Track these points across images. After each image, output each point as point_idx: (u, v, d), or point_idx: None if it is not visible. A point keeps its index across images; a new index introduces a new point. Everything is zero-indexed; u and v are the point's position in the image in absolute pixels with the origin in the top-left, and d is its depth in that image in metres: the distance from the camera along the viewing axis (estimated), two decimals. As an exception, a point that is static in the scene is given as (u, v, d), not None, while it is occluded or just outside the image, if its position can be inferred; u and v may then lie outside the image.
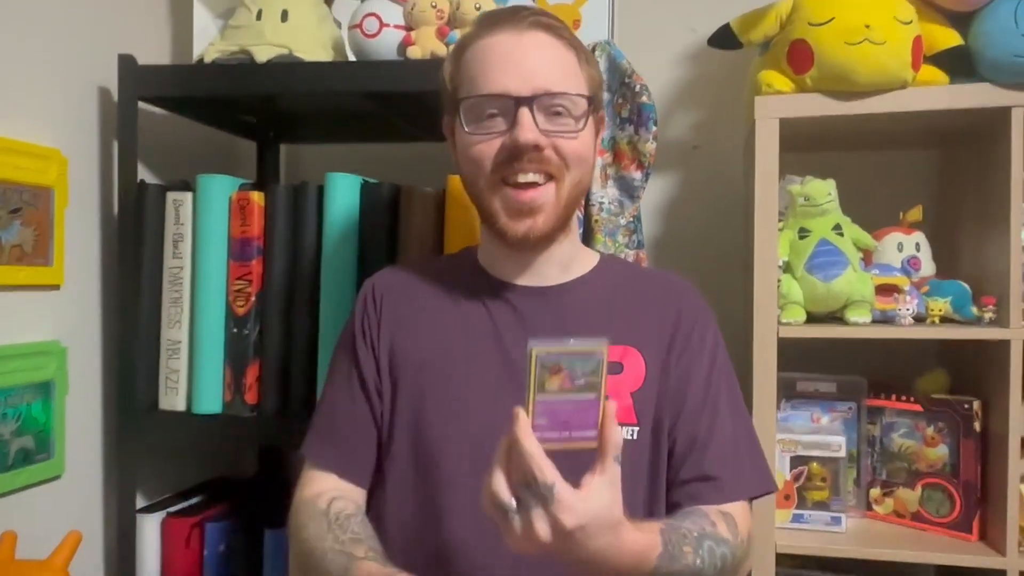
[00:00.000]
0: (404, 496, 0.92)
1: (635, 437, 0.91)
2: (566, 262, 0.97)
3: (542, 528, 0.67)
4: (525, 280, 0.96)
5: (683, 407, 0.93)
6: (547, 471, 0.66)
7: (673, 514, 0.88)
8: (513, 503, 0.68)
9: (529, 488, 0.67)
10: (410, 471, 0.92)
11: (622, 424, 0.89)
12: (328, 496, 0.92)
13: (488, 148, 0.87)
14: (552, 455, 0.67)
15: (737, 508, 0.90)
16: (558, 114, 0.87)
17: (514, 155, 0.86)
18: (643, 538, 0.75)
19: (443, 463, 0.90)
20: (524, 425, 0.67)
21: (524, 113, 0.84)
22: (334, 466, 0.95)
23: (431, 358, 0.94)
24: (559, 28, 0.90)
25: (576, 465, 0.69)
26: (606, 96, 1.11)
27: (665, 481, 0.93)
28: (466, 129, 0.88)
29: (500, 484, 0.69)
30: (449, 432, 0.90)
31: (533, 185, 0.87)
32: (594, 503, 0.68)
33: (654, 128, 1.09)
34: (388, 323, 0.98)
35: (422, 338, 0.96)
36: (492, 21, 0.90)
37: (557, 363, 0.67)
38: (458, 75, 0.91)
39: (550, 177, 0.88)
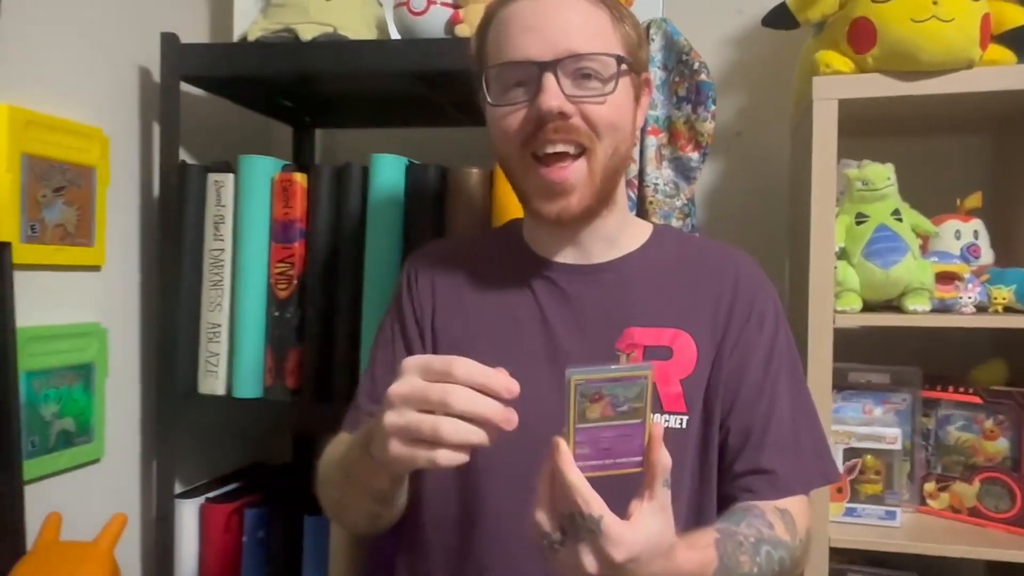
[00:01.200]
0: (442, 483, 0.89)
1: (684, 426, 0.86)
2: (613, 236, 0.92)
3: (589, 562, 0.63)
4: (570, 257, 0.92)
5: (738, 394, 0.88)
6: (593, 504, 0.63)
7: (728, 514, 0.83)
8: (558, 535, 0.65)
9: (574, 521, 0.64)
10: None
11: (671, 413, 0.86)
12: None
13: (513, 119, 0.83)
14: (596, 482, 0.64)
15: (795, 502, 0.86)
16: (587, 76, 0.81)
17: (539, 124, 0.81)
18: (697, 556, 0.71)
19: (483, 450, 0.87)
20: (566, 455, 0.64)
21: (548, 78, 0.79)
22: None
23: (473, 339, 0.91)
24: None
25: (624, 489, 0.66)
26: (661, 75, 1.08)
27: (717, 472, 0.89)
28: (491, 101, 0.84)
29: (543, 516, 0.66)
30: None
31: (563, 157, 0.82)
32: (644, 532, 0.64)
33: (712, 107, 1.06)
34: (430, 300, 0.95)
35: (464, 318, 0.92)
36: None
37: (598, 391, 0.63)
38: (483, 48, 0.87)
39: (581, 149, 0.83)
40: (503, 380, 0.65)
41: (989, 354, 1.35)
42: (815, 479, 0.89)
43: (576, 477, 0.63)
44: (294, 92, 1.46)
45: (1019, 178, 1.32)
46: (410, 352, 0.94)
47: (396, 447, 0.66)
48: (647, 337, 0.88)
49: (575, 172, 0.83)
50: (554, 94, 0.80)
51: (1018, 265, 1.24)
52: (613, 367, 0.64)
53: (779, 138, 1.49)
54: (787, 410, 0.88)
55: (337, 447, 0.89)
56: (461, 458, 0.65)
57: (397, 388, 0.66)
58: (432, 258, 0.99)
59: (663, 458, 0.65)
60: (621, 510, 0.64)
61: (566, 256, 0.92)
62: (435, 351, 0.93)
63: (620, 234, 0.93)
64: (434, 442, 0.65)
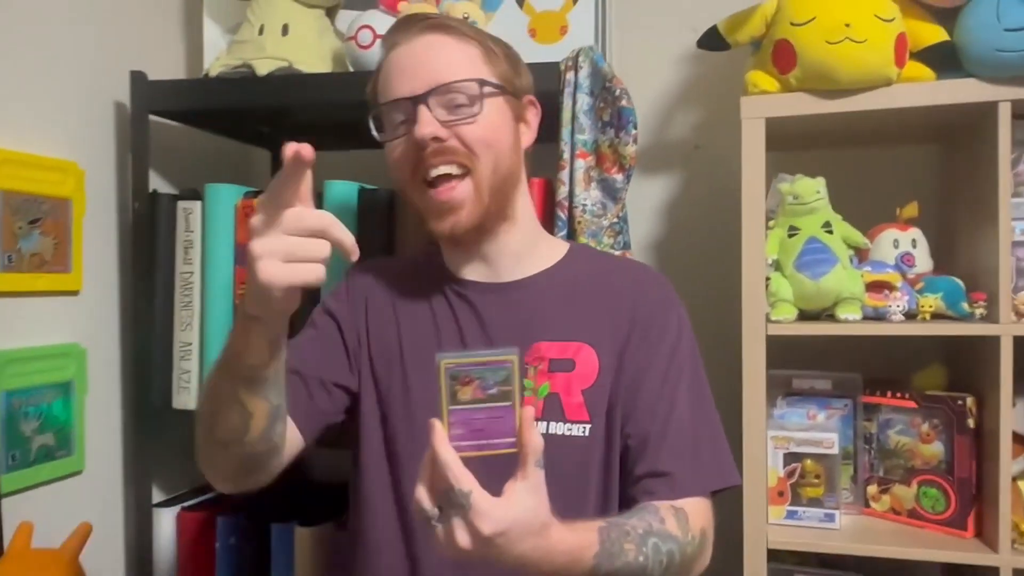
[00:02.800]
0: (379, 490, 0.96)
1: (587, 434, 0.92)
2: (520, 253, 0.98)
3: (462, 536, 0.69)
4: (480, 275, 0.99)
5: (637, 401, 0.93)
6: (463, 480, 0.68)
7: (624, 512, 0.88)
8: (436, 512, 0.71)
9: (448, 497, 0.69)
10: (384, 465, 0.96)
11: (574, 422, 0.92)
12: None
13: (401, 151, 0.92)
14: (474, 464, 0.69)
15: (692, 503, 0.90)
16: (459, 105, 0.90)
17: (420, 151, 0.89)
18: (575, 538, 0.76)
19: (405, 458, 0.93)
20: (440, 436, 0.70)
21: (421, 110, 0.89)
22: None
23: (401, 351, 0.98)
24: (455, 27, 0.94)
25: (506, 474, 0.71)
26: (589, 100, 1.14)
27: (619, 477, 0.93)
28: (378, 137, 0.94)
29: (422, 494, 0.71)
30: (411, 430, 0.94)
31: (448, 179, 0.90)
32: (514, 509, 0.69)
33: (634, 131, 1.11)
34: (363, 313, 1.02)
35: (393, 331, 0.99)
36: (390, 34, 0.96)
37: (467, 374, 0.69)
38: (374, 93, 0.97)
39: (464, 169, 0.91)
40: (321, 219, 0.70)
41: (934, 360, 1.38)
42: (712, 482, 0.94)
43: (448, 454, 0.69)
44: (267, 120, 1.54)
45: (959, 187, 1.35)
46: (346, 346, 1.00)
47: (268, 269, 0.69)
48: (553, 351, 0.94)
49: (461, 191, 0.91)
50: (427, 122, 0.88)
51: (957, 273, 1.27)
52: (480, 352, 0.70)
53: (736, 151, 1.53)
54: (686, 416, 0.93)
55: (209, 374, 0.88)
56: (320, 271, 0.70)
57: (255, 219, 0.71)
58: (370, 274, 1.06)
59: (534, 439, 0.71)
60: (501, 493, 0.70)
61: (477, 274, 0.99)
62: (371, 359, 1.00)
63: (528, 252, 0.99)
64: (292, 260, 0.69)
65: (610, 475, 0.93)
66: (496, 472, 0.70)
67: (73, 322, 1.32)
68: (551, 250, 1.02)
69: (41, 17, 1.26)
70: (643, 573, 0.80)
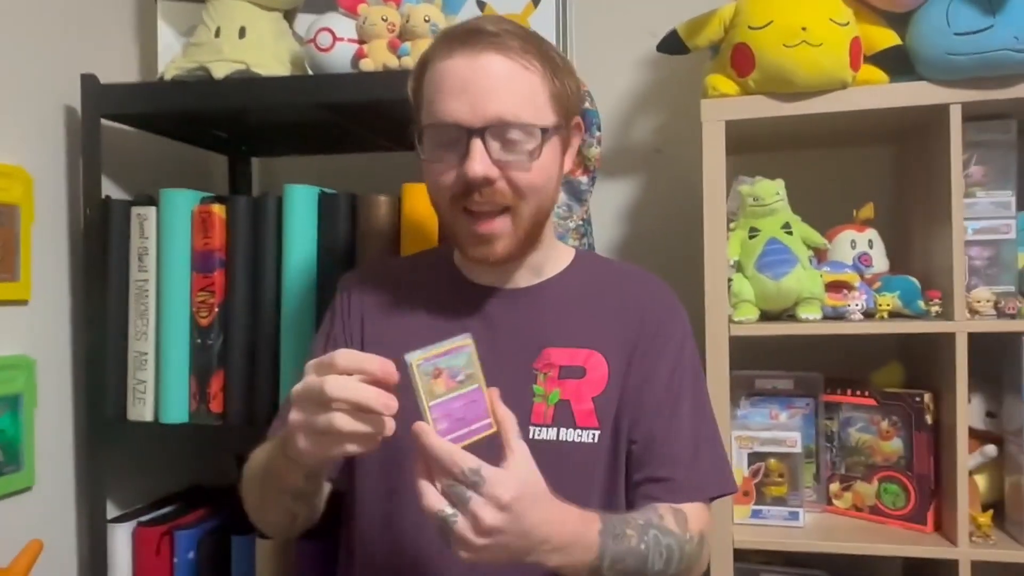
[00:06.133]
0: (369, 497, 0.95)
1: (596, 440, 0.92)
2: (538, 266, 0.98)
3: (486, 512, 0.69)
4: (496, 282, 0.97)
5: (642, 409, 0.94)
6: (467, 459, 0.69)
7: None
8: (449, 509, 0.70)
9: (456, 485, 0.70)
10: (378, 474, 0.94)
11: (584, 428, 0.92)
12: None
13: (445, 179, 0.87)
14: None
15: (691, 507, 0.91)
16: (514, 141, 0.85)
17: (467, 188, 0.86)
18: (577, 511, 0.78)
19: (406, 468, 0.91)
20: (428, 432, 0.70)
21: (476, 144, 0.83)
22: None
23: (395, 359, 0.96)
24: (519, 48, 0.86)
25: (490, 456, 0.72)
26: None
27: (624, 484, 0.95)
28: (423, 156, 0.89)
29: (431, 499, 0.71)
30: (411, 439, 0.92)
31: (489, 214, 0.88)
32: (521, 473, 0.72)
33: (598, 133, 1.11)
34: (359, 322, 1.00)
35: (392, 337, 0.96)
36: (449, 41, 0.87)
37: (435, 367, 0.71)
38: (419, 94, 0.91)
39: (506, 208, 0.88)
40: (378, 363, 0.71)
41: (892, 358, 1.41)
42: (711, 488, 0.95)
43: (442, 444, 0.70)
44: (224, 124, 1.51)
45: (914, 188, 1.38)
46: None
47: (303, 442, 0.73)
48: (563, 357, 0.94)
49: (500, 225, 0.89)
50: (480, 159, 0.84)
51: (912, 273, 1.30)
52: (439, 344, 0.71)
53: (696, 154, 1.55)
54: (687, 426, 0.94)
55: (260, 453, 0.94)
56: (367, 447, 0.72)
57: (297, 387, 0.73)
58: (364, 280, 1.04)
59: (506, 415, 0.73)
60: None
61: (493, 281, 0.98)
62: None
63: (545, 263, 0.99)
64: (331, 434, 0.71)
65: (615, 480, 0.93)
66: (483, 458, 0.71)
67: (22, 333, 1.28)
68: (560, 256, 1.01)
69: (-14, 18, 1.22)
70: (645, 561, 0.81)
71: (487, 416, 0.73)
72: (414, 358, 0.70)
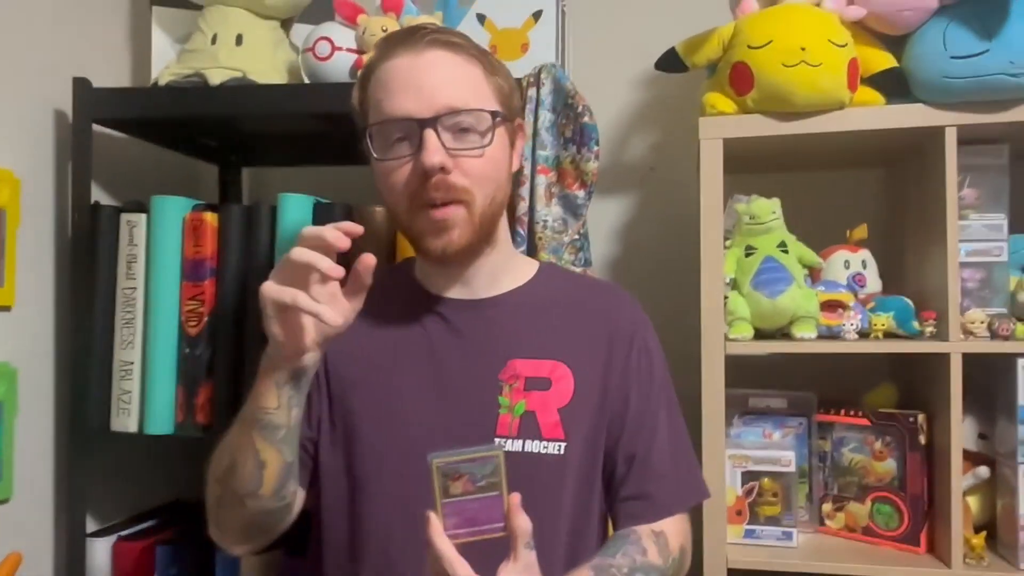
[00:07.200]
0: (339, 512, 0.93)
1: (562, 452, 0.92)
2: (495, 273, 0.98)
3: None
4: (457, 293, 0.97)
5: (624, 424, 0.95)
6: (459, 568, 0.73)
7: (607, 544, 0.92)
8: None
9: None
10: (344, 487, 0.93)
11: (550, 440, 0.92)
12: None
13: (400, 174, 0.89)
14: (468, 548, 0.75)
15: (671, 523, 0.94)
16: (465, 131, 0.88)
17: (424, 179, 0.87)
18: None
19: (374, 478, 0.90)
20: (435, 527, 0.74)
21: (429, 134, 0.85)
22: None
23: (364, 374, 0.95)
24: (459, 43, 0.90)
25: (497, 553, 0.76)
26: (551, 117, 1.14)
27: (603, 497, 0.96)
28: (375, 156, 0.90)
29: None
30: (381, 448, 0.91)
31: (444, 203, 0.89)
32: None
33: (596, 148, 1.11)
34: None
35: (356, 354, 0.96)
36: (391, 44, 0.91)
37: (456, 470, 0.74)
38: (365, 101, 0.93)
39: (460, 201, 0.89)
40: (331, 231, 0.80)
41: (885, 379, 1.41)
42: (689, 498, 0.98)
43: (444, 546, 0.74)
44: (215, 132, 1.50)
45: (908, 209, 1.39)
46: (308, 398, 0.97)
47: (275, 327, 0.79)
48: (528, 368, 0.93)
49: (455, 211, 0.89)
50: (435, 150, 0.85)
51: (906, 293, 1.30)
52: (468, 449, 0.75)
53: (691, 173, 1.55)
54: (666, 438, 0.96)
55: (229, 434, 0.93)
56: (331, 314, 0.78)
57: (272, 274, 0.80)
58: None
59: (523, 523, 0.75)
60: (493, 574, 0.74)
61: (454, 292, 0.98)
62: (328, 388, 0.97)
63: (503, 271, 0.99)
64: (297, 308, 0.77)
65: (588, 493, 0.93)
66: (491, 552, 0.75)
67: (4, 340, 1.25)
68: (523, 268, 1.02)
69: (-23, 18, 1.20)
70: None
71: (501, 520, 0.76)
72: (436, 459, 0.74)
